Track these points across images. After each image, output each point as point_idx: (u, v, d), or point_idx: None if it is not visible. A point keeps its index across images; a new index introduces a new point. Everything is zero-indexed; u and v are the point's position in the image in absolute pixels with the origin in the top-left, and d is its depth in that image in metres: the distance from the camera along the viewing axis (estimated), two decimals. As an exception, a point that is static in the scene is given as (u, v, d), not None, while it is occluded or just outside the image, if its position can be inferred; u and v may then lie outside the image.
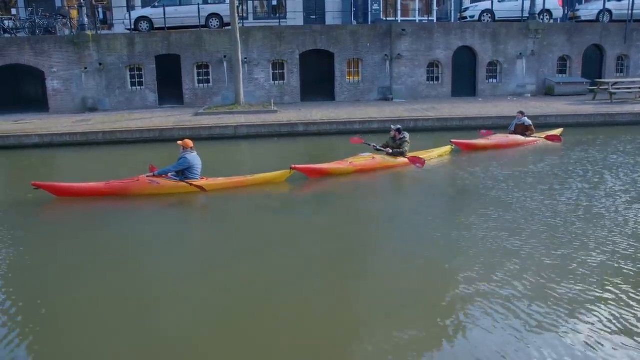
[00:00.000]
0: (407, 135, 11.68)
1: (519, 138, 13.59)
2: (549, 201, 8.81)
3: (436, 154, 12.31)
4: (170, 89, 19.90)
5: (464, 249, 6.82)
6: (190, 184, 9.47)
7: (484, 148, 13.06)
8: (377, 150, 11.66)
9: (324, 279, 6.16)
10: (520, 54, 21.22)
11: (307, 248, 7.11)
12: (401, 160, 11.48)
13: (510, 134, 13.84)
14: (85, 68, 19.23)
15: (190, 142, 9.78)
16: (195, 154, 9.70)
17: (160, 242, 7.55)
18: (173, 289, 5.99)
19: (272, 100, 19.67)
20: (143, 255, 7.11)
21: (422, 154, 11.92)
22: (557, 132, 14.35)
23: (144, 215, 8.90)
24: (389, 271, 6.30)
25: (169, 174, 9.56)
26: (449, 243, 7.13)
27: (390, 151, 11.50)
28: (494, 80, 21.58)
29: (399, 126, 11.92)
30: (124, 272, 6.49)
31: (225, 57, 19.74)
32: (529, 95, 21.23)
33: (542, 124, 15.64)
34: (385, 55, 20.62)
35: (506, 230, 7.39)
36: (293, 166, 10.28)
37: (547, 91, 21.30)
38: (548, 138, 13.73)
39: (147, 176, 9.49)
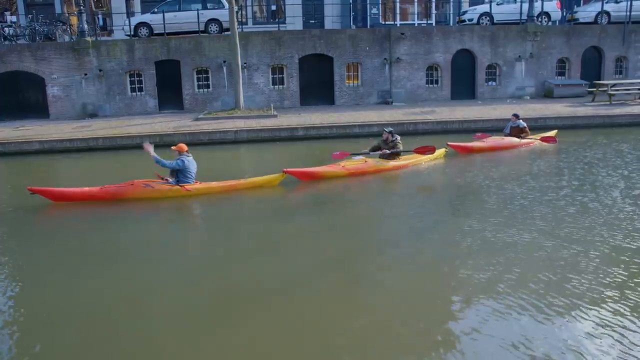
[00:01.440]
0: (398, 137, 11.73)
1: (514, 140, 13.64)
2: (546, 201, 8.84)
3: (431, 157, 12.30)
4: (170, 95, 19.93)
5: (463, 252, 6.83)
6: (183, 187, 9.51)
7: (480, 150, 13.11)
8: (369, 154, 11.66)
9: (319, 284, 6.13)
10: (519, 56, 21.24)
11: (300, 252, 7.11)
12: (393, 163, 11.49)
13: (505, 136, 13.89)
14: (85, 74, 19.26)
15: (184, 146, 9.84)
16: (190, 158, 9.74)
17: (154, 247, 7.59)
18: (168, 293, 6.00)
19: (272, 105, 19.68)
20: (137, 259, 7.12)
21: (417, 157, 11.97)
22: (552, 133, 14.44)
23: (139, 220, 8.94)
24: (385, 275, 6.28)
25: (162, 176, 9.68)
26: (447, 246, 7.14)
27: (388, 152, 11.51)
28: (493, 83, 21.59)
29: (390, 129, 11.98)
30: (119, 276, 6.51)
31: (224, 62, 19.76)
32: (528, 97, 21.23)
33: (542, 126, 15.71)
34: (385, 59, 20.65)
35: (505, 231, 7.40)
36: (285, 170, 10.30)
37: (546, 93, 21.32)
38: (543, 139, 13.82)
39: (147, 145, 9.60)
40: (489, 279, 5.94)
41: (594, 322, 4.98)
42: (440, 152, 12.59)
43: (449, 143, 12.87)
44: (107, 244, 7.70)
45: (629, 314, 5.10)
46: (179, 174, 9.58)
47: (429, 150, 11.98)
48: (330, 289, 6.01)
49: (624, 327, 4.86)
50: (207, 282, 6.31)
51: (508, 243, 6.99)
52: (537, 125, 15.66)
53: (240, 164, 14.09)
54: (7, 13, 23.21)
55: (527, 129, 13.89)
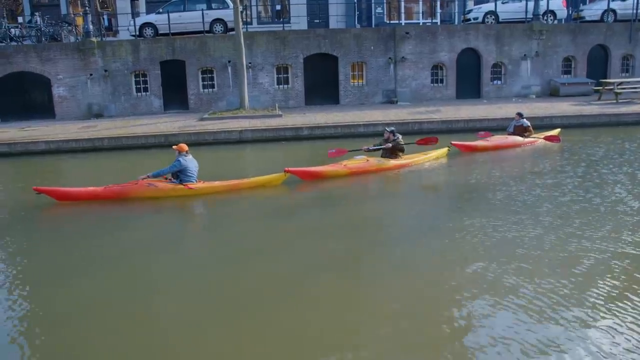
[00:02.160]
0: (400, 136, 11.69)
1: (518, 139, 13.62)
2: (551, 200, 8.82)
3: (433, 156, 12.30)
4: (175, 95, 19.97)
5: (469, 250, 6.81)
6: (186, 186, 9.61)
7: (484, 149, 13.10)
8: (371, 150, 11.63)
9: (323, 283, 6.11)
10: (525, 55, 21.16)
11: (303, 251, 7.10)
12: (395, 162, 11.47)
13: (508, 135, 13.87)
14: (91, 74, 19.33)
15: (184, 146, 9.93)
16: (190, 157, 9.84)
17: (157, 246, 7.60)
18: (171, 291, 6.02)
19: (277, 105, 19.69)
20: (140, 257, 7.14)
21: (419, 156, 11.96)
22: (555, 132, 14.43)
23: (142, 220, 8.98)
24: (390, 275, 6.25)
25: (165, 176, 9.76)
26: (452, 244, 7.11)
27: (390, 145, 11.47)
28: (499, 82, 21.51)
29: (392, 128, 11.94)
30: (122, 274, 6.55)
31: (229, 62, 19.78)
32: (534, 96, 21.15)
33: (548, 125, 15.63)
34: (389, 58, 20.62)
35: (511, 231, 7.37)
36: (287, 169, 10.31)
37: (552, 92, 21.23)
38: (547, 138, 13.80)
39: (144, 178, 9.63)
40: (496, 278, 5.91)
41: (604, 318, 4.96)
42: (443, 151, 12.57)
43: (452, 142, 12.85)
44: (110, 243, 7.73)
45: (637, 310, 5.08)
46: (180, 174, 9.67)
47: (432, 140, 11.95)
48: (334, 288, 6.00)
49: (633, 324, 4.84)
50: (210, 281, 6.31)
51: (514, 241, 6.97)
52: (543, 124, 15.59)
53: (245, 164, 14.11)
54: (37, 14, 23.28)
55: (531, 128, 13.86)
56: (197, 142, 14.85)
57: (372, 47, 20.56)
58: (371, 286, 6.02)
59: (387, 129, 11.91)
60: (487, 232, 7.38)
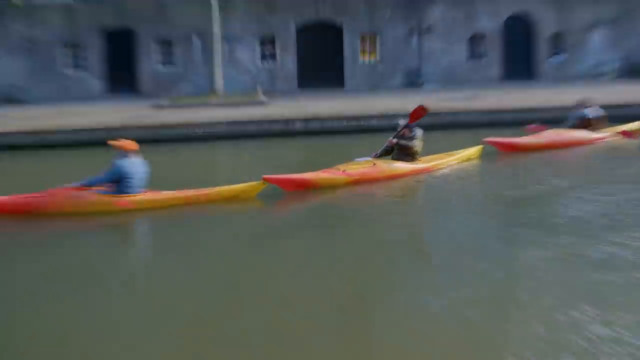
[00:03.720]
0: (419, 132, 11.34)
1: (580, 134, 13.38)
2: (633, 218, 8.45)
3: (462, 157, 12.10)
4: (121, 74, 20.22)
5: (511, 293, 6.32)
6: (120, 202, 9.36)
7: (532, 148, 12.88)
8: (378, 156, 11.36)
9: (311, 340, 5.58)
10: (596, 22, 21.08)
11: (283, 293, 6.70)
12: (410, 167, 11.22)
13: (568, 129, 13.62)
14: (5, 46, 19.24)
15: (130, 144, 9.59)
16: (136, 160, 9.53)
17: (89, 278, 7.24)
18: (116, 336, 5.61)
19: (260, 88, 19.72)
20: (67, 297, 6.68)
21: (443, 158, 11.80)
22: (634, 125, 14.28)
23: (56, 244, 8.62)
24: (405, 330, 5.72)
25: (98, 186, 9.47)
26: (490, 282, 6.65)
27: (395, 141, 11.13)
28: (560, 58, 21.56)
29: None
30: (46, 315, 6.14)
31: (196, 31, 19.73)
32: (610, 77, 21.02)
33: (629, 115, 15.30)
34: (411, 27, 20.68)
35: (569, 265, 6.94)
36: (265, 177, 10.09)
37: (635, 69, 21.10)
38: (622, 134, 13.73)
39: (69, 188, 9.39)
40: (552, 335, 5.39)
41: None
42: (475, 151, 12.40)
43: (487, 139, 12.64)
44: (28, 273, 7.36)
45: None
46: (120, 182, 9.42)
47: (421, 111, 11.82)
48: (328, 346, 5.49)
49: None
50: (162, 325, 5.86)
51: (592, 277, 6.48)
52: (622, 115, 15.24)
53: (215, 169, 13.97)
54: None
55: (600, 120, 13.63)
56: (152, 138, 14.63)
57: (388, 14, 20.61)
58: (379, 349, 5.54)
59: (401, 122, 11.51)
60: (547, 264, 6.93)
